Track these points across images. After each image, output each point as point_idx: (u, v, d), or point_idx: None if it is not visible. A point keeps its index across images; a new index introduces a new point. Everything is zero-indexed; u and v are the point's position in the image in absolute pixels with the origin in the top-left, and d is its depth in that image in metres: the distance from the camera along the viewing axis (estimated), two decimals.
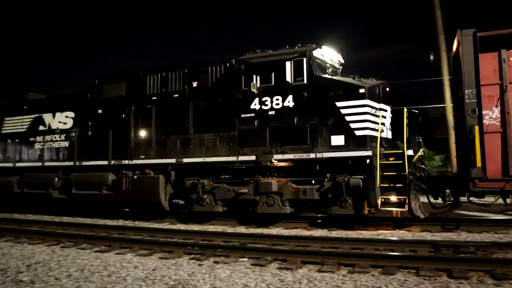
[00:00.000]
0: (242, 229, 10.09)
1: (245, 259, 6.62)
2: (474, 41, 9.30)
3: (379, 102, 10.06)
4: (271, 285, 5.19)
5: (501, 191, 9.20)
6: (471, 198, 9.70)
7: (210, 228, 10.36)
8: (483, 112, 9.24)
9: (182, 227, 10.81)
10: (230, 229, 10.07)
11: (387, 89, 10.64)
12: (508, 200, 10.04)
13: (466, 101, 9.33)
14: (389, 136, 10.56)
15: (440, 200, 9.98)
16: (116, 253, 7.37)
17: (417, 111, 10.85)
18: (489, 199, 9.80)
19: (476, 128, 9.11)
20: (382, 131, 9.87)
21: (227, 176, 11.25)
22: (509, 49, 9.27)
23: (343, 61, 11.83)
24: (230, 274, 5.73)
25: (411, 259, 6.11)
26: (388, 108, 10.44)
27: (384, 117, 10.20)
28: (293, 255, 6.56)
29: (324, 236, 8.70)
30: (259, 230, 9.81)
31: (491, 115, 9.33)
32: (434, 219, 10.17)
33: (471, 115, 9.17)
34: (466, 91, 9.33)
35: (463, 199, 9.98)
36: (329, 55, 11.22)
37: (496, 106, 9.31)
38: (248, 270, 5.96)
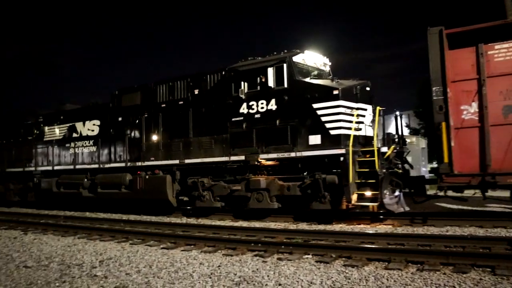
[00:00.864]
0: (304, 226, 10.09)
1: (309, 256, 6.55)
2: (440, 39, 9.38)
3: (356, 102, 10.62)
4: (337, 282, 5.08)
5: (468, 186, 9.30)
6: (448, 193, 9.82)
7: (272, 225, 10.38)
8: (461, 107, 9.40)
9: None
10: (292, 226, 10.04)
11: (367, 88, 11.18)
12: (499, 195, 10.13)
13: (434, 98, 9.49)
14: (369, 134, 10.79)
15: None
16: (182, 250, 7.55)
17: (398, 111, 11.52)
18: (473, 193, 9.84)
19: (443, 124, 9.23)
20: (359, 129, 10.46)
21: (226, 175, 12.16)
22: (487, 43, 9.27)
23: (329, 63, 12.46)
24: (295, 271, 5.67)
25: (486, 257, 5.78)
26: (368, 107, 10.90)
27: (363, 115, 10.71)
28: (358, 252, 6.39)
29: (389, 232, 8.44)
30: (321, 227, 9.90)
31: (470, 110, 9.42)
32: (408, 213, 10.24)
33: (438, 111, 9.27)
34: (433, 88, 9.48)
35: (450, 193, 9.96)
36: (312, 58, 11.92)
37: (474, 101, 9.39)
38: (313, 267, 5.87)
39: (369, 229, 9.36)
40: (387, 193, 9.93)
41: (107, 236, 9.25)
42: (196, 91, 12.86)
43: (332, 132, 10.27)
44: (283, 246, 7.05)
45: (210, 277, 5.55)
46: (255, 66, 11.67)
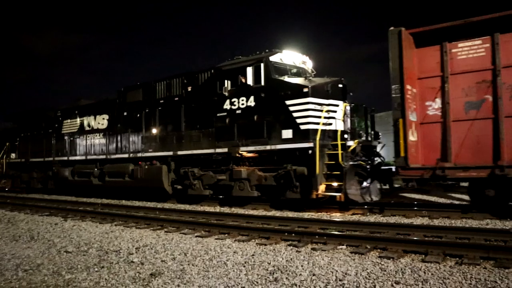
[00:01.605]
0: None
1: (344, 247, 6.49)
2: (399, 40, 9.70)
3: (327, 99, 11.30)
4: (372, 274, 5.01)
5: (421, 179, 9.67)
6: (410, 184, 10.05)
7: (306, 215, 10.34)
8: (427, 103, 9.81)
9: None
10: (325, 216, 9.98)
11: (340, 85, 11.78)
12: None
13: (392, 95, 9.83)
14: (341, 128, 11.25)
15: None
16: (216, 238, 7.61)
17: (369, 107, 12.31)
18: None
19: (400, 120, 9.63)
20: (329, 124, 11.14)
21: (213, 165, 13.17)
22: (451, 41, 9.63)
23: (310, 61, 13.30)
24: (329, 262, 5.63)
25: None
26: (339, 103, 11.51)
27: (334, 111, 11.33)
28: (394, 244, 6.29)
29: (426, 224, 8.26)
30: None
31: (434, 106, 9.80)
32: (370, 203, 10.87)
33: (396, 108, 9.67)
34: (392, 87, 9.85)
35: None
36: (291, 57, 12.75)
37: (438, 97, 9.76)
38: (348, 258, 5.82)
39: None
40: (353, 184, 10.60)
41: (143, 224, 9.45)
42: (189, 88, 13.96)
43: (302, 127, 11.09)
44: (317, 236, 7.02)
45: (244, 266, 5.59)
46: (236, 66, 12.66)
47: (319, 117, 11.02)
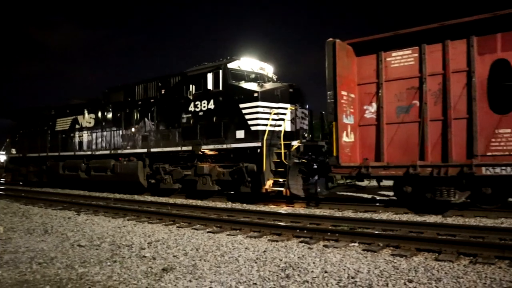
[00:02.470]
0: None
1: (356, 244, 6.47)
2: (334, 50, 10.59)
3: (277, 102, 12.50)
4: (385, 272, 4.98)
5: (350, 176, 10.89)
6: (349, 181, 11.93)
7: (317, 211, 10.31)
8: (365, 107, 10.87)
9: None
10: (337, 213, 9.94)
11: (290, 90, 12.94)
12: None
13: (328, 101, 10.75)
14: (289, 129, 12.54)
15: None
16: (228, 234, 7.63)
17: (316, 110, 13.64)
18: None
19: (333, 124, 10.58)
20: (279, 125, 12.29)
21: (181, 162, 14.55)
22: (386, 51, 10.59)
23: (268, 67, 14.49)
24: (341, 259, 5.62)
25: None
26: (287, 106, 12.60)
27: (283, 114, 12.45)
28: (407, 242, 6.27)
29: (439, 222, 8.18)
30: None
31: (371, 110, 10.79)
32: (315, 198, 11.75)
33: (330, 112, 10.65)
34: (328, 93, 10.74)
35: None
36: (249, 64, 13.89)
37: (374, 102, 10.75)
38: (360, 256, 5.80)
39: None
40: (296, 180, 11.64)
41: (155, 219, 9.51)
42: (163, 91, 15.32)
43: (252, 128, 12.35)
44: (329, 233, 7.01)
45: (256, 262, 5.59)
46: (199, 71, 13.93)
47: (268, 119, 12.19)
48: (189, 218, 9.21)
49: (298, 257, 5.78)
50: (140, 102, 16.13)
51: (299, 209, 10.78)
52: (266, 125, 12.06)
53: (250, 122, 12.41)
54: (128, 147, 16.38)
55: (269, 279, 4.87)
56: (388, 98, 10.53)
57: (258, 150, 12.11)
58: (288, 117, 12.53)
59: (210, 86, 13.52)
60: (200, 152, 13.71)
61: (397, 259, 5.56)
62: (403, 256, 5.67)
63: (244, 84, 13.08)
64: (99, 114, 18.09)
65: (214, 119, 13.32)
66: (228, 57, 13.68)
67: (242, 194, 12.79)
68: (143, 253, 6.30)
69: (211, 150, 13.48)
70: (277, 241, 6.92)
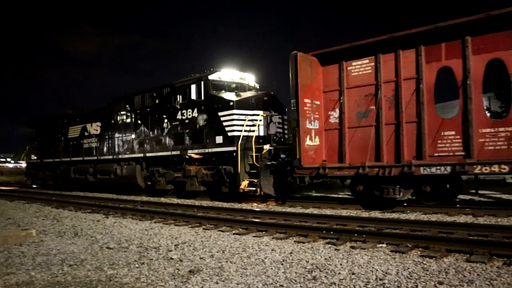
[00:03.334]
0: (376, 214, 9.85)
1: (384, 245, 6.38)
2: (296, 62, 11.50)
3: (252, 110, 13.71)
4: (414, 273, 4.89)
5: (311, 177, 11.83)
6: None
7: (344, 212, 10.22)
8: (329, 113, 11.90)
9: (263, 208, 12.07)
10: (364, 214, 9.82)
11: (265, 98, 14.20)
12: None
13: (292, 108, 11.85)
14: (262, 134, 13.78)
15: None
16: (254, 236, 7.64)
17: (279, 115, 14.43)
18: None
19: (296, 129, 11.68)
20: (253, 131, 13.35)
21: (172, 165, 16.09)
22: (347, 60, 11.54)
23: (249, 76, 15.82)
24: (369, 260, 5.55)
25: None
26: (260, 112, 13.74)
27: (257, 120, 13.55)
28: (437, 242, 6.14)
29: (470, 222, 7.99)
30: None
31: (335, 115, 11.80)
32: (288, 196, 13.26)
33: (294, 118, 11.74)
34: (291, 101, 11.74)
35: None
36: (229, 75, 15.22)
37: (337, 108, 11.74)
38: (388, 257, 5.71)
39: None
40: (267, 180, 12.77)
41: (181, 221, 9.60)
42: (157, 101, 16.74)
43: (229, 133, 13.66)
44: (356, 234, 6.94)
45: (282, 264, 5.56)
46: (184, 83, 15.41)
47: (242, 125, 13.39)
48: (215, 220, 9.26)
49: (325, 259, 5.74)
50: (138, 111, 17.71)
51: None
52: (241, 130, 13.30)
53: (227, 128, 13.75)
54: (127, 152, 18.08)
55: (295, 281, 4.85)
56: (349, 104, 11.48)
57: (234, 154, 13.33)
58: (261, 123, 13.72)
59: (193, 96, 14.95)
60: (187, 156, 15.23)
61: (427, 260, 5.45)
62: (432, 257, 5.56)
63: (224, 94, 14.39)
64: (105, 122, 19.86)
65: (198, 126, 14.81)
66: (211, 69, 15.07)
67: (223, 194, 14.12)
68: (170, 255, 6.37)
69: (196, 154, 14.95)
70: (303, 242, 6.89)
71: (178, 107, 15.51)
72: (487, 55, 9.55)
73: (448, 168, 9.54)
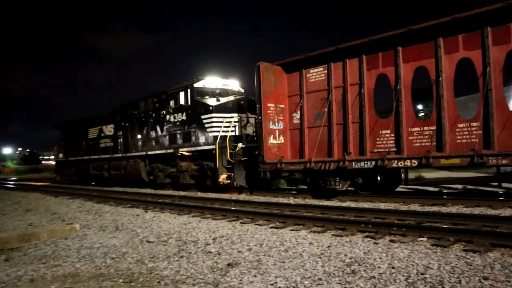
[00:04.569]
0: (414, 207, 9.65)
1: (424, 239, 6.24)
2: (259, 72, 13.34)
3: (230, 113, 15.76)
4: (457, 268, 4.76)
5: (271, 171, 13.69)
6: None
7: (382, 205, 10.07)
8: (292, 115, 13.63)
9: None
10: (403, 207, 9.64)
11: (242, 102, 16.14)
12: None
13: (257, 111, 13.78)
14: (236, 134, 15.69)
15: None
16: (291, 230, 7.63)
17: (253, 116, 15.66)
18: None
19: (260, 130, 13.54)
20: (232, 131, 15.41)
21: (169, 161, 18.29)
22: (306, 68, 13.19)
23: (232, 82, 17.77)
24: (409, 254, 5.44)
25: None
26: (235, 115, 15.74)
27: (236, 121, 15.65)
28: (480, 236, 5.93)
29: None
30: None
31: (297, 117, 13.44)
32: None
33: (259, 120, 13.58)
34: (257, 106, 13.70)
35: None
36: (213, 82, 17.19)
37: (298, 110, 13.35)
38: (429, 251, 5.58)
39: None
40: (241, 174, 14.70)
41: (219, 215, 9.69)
42: (157, 105, 18.87)
43: (209, 134, 15.81)
44: (395, 228, 6.81)
45: (320, 257, 5.54)
46: (174, 90, 17.64)
47: (220, 127, 15.35)
48: (252, 214, 9.30)
49: (364, 252, 5.66)
50: (142, 114, 19.98)
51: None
52: (219, 131, 15.27)
53: (208, 130, 15.87)
54: (134, 151, 20.48)
55: (334, 274, 4.82)
56: (308, 107, 13.14)
57: (213, 151, 15.32)
58: (237, 124, 15.71)
59: (182, 101, 17.15)
60: (179, 154, 17.36)
61: (470, 255, 5.30)
62: (476, 252, 5.39)
63: (206, 100, 16.30)
64: (116, 124, 22.28)
65: (186, 127, 16.97)
66: (197, 77, 17.07)
67: (207, 186, 16.28)
68: (208, 249, 6.45)
69: (186, 151, 17.04)
70: (341, 236, 6.83)
71: (171, 111, 17.80)
72: (415, 63, 10.88)
73: (373, 163, 11.04)
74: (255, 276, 4.98)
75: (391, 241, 6.27)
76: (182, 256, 6.12)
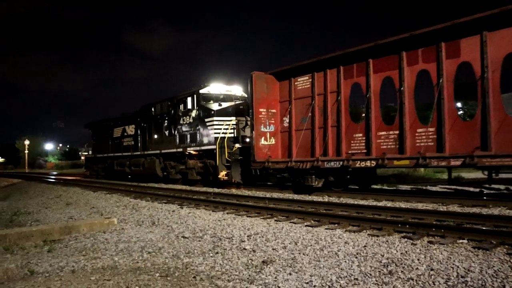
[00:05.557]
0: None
1: (464, 241, 6.05)
2: (251, 80, 14.96)
3: (230, 116, 17.33)
4: (500, 272, 4.59)
5: (263, 168, 14.87)
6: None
7: (420, 205, 9.84)
8: (283, 119, 15.05)
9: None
10: (442, 208, 9.39)
11: (241, 107, 17.67)
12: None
13: (250, 116, 15.47)
14: (234, 135, 17.14)
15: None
16: (326, 228, 7.56)
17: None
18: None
19: (252, 132, 15.04)
20: (231, 133, 16.96)
21: (179, 159, 19.98)
22: (295, 77, 14.61)
23: (236, 88, 19.33)
24: (449, 256, 5.29)
25: None
26: (233, 118, 17.29)
27: (235, 124, 17.19)
28: None
29: None
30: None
31: (287, 120, 14.87)
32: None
33: (252, 123, 15.01)
34: (249, 110, 15.39)
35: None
36: (217, 88, 18.81)
37: (288, 115, 14.77)
38: (470, 253, 5.40)
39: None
40: (237, 171, 16.53)
41: (253, 213, 9.71)
42: (170, 108, 20.66)
43: (211, 135, 17.44)
44: (433, 229, 6.63)
45: (356, 257, 5.46)
46: (183, 96, 19.62)
47: (220, 129, 17.00)
48: (287, 212, 9.27)
49: (401, 253, 5.55)
50: (158, 116, 21.83)
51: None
52: (219, 133, 16.88)
53: (210, 131, 17.54)
54: (150, 149, 22.34)
55: (371, 275, 4.75)
56: (296, 111, 14.52)
57: (214, 151, 16.92)
58: (235, 127, 17.20)
59: (189, 106, 19.08)
60: (187, 152, 19.05)
61: None
62: None
63: (210, 105, 18.07)
64: (137, 125, 24.19)
65: (193, 129, 18.76)
66: (204, 84, 18.78)
67: (210, 181, 18.00)
68: (243, 246, 6.48)
69: (193, 150, 18.73)
70: (377, 236, 6.71)
71: (181, 114, 19.63)
72: (383, 73, 11.97)
73: (340, 163, 12.31)
74: (290, 274, 4.96)
75: (430, 242, 6.11)
76: (217, 252, 6.17)
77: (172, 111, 20.36)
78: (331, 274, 4.85)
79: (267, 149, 14.92)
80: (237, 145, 16.61)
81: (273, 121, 15.13)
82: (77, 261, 5.83)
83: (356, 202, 10.78)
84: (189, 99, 19.06)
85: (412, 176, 19.48)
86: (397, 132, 11.46)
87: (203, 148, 17.88)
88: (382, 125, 11.96)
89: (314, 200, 11.58)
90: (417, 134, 11.05)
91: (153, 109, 22.39)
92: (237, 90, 19.17)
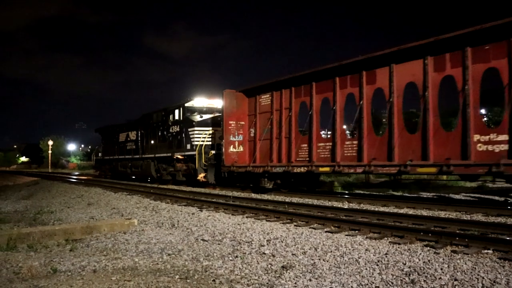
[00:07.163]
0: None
1: (490, 251, 5.89)
2: (223, 97, 17.71)
3: (208, 127, 20.05)
4: None
5: (229, 172, 17.53)
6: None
7: (442, 214, 9.68)
8: (250, 129, 17.57)
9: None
10: (465, 216, 9.20)
11: (218, 119, 19.36)
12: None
13: (221, 127, 18.05)
14: (210, 143, 19.72)
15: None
16: (346, 235, 7.47)
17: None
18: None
19: (222, 141, 17.77)
20: (209, 141, 19.66)
21: (169, 163, 22.74)
22: (259, 94, 17.05)
23: (215, 102, 21.60)
24: (473, 267, 5.15)
25: None
26: (210, 129, 19.99)
27: (212, 133, 19.79)
28: None
29: None
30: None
31: (253, 131, 17.34)
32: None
33: (222, 134, 17.78)
34: (221, 122, 17.93)
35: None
36: (200, 102, 21.74)
37: (254, 126, 17.27)
38: (495, 264, 5.26)
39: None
40: (212, 174, 18.70)
41: (273, 217, 9.68)
42: (163, 118, 23.55)
43: (192, 143, 20.17)
44: (457, 238, 6.48)
45: (377, 265, 5.39)
46: (173, 108, 22.59)
47: (199, 137, 19.63)
48: (306, 217, 9.21)
49: (424, 262, 5.44)
50: (154, 124, 24.62)
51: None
52: (199, 141, 19.49)
53: (191, 139, 20.32)
54: (147, 153, 25.15)
55: (392, 283, 4.67)
56: (260, 124, 17.00)
57: (194, 156, 19.47)
58: (212, 136, 19.76)
59: (177, 117, 22.07)
60: (175, 157, 21.63)
61: None
62: None
63: (193, 116, 20.88)
64: (138, 131, 26.95)
65: (179, 137, 21.57)
66: (189, 98, 21.64)
67: (192, 182, 20.57)
68: (262, 250, 6.45)
69: (179, 155, 21.28)
70: (399, 243, 6.60)
71: (170, 123, 22.60)
72: (322, 95, 14.31)
73: (283, 168, 15.03)
74: (310, 280, 4.92)
75: (453, 251, 5.98)
76: (236, 256, 6.16)
77: (165, 120, 23.30)
78: (352, 281, 4.79)
79: (235, 155, 17.50)
80: (212, 152, 19.22)
81: (241, 132, 17.66)
82: (99, 261, 5.88)
83: (376, 209, 10.65)
84: (176, 111, 22.06)
85: (433, 184, 19.18)
86: (330, 143, 13.77)
87: (186, 153, 20.65)
88: (321, 137, 14.59)
89: (334, 206, 11.48)
90: (345, 146, 13.31)
91: (150, 118, 25.19)
92: (218, 103, 20.84)
